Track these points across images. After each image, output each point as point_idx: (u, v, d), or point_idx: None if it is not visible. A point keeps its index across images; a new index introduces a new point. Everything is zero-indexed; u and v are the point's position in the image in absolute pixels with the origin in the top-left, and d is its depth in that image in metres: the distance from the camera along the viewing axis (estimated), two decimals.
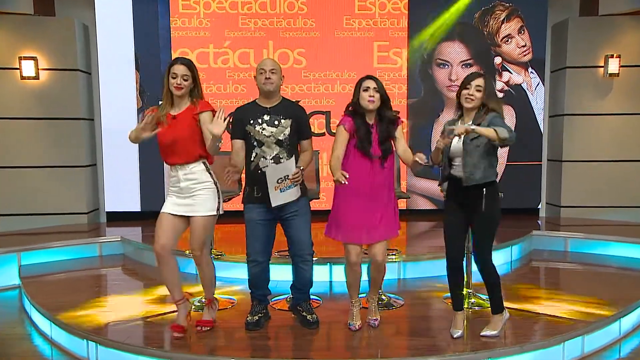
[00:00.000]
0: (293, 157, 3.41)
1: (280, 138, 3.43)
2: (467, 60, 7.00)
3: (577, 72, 6.84)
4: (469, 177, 3.20)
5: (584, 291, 4.37)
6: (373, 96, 3.33)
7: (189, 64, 3.30)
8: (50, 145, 6.58)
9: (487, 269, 3.31)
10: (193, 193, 3.33)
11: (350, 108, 3.45)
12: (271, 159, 3.40)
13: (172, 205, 3.36)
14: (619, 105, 6.87)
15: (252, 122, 3.45)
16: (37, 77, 6.39)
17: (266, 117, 3.45)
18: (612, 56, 6.68)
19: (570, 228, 6.22)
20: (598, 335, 3.63)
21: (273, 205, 3.36)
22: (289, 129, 3.45)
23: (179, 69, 3.27)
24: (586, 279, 4.88)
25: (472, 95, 3.22)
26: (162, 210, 3.38)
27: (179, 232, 3.41)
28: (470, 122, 3.22)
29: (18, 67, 6.36)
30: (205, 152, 3.35)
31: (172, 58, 3.44)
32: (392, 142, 3.43)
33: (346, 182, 3.14)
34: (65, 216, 6.67)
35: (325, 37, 6.88)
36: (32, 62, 6.33)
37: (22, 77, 6.37)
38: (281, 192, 3.35)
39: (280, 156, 3.42)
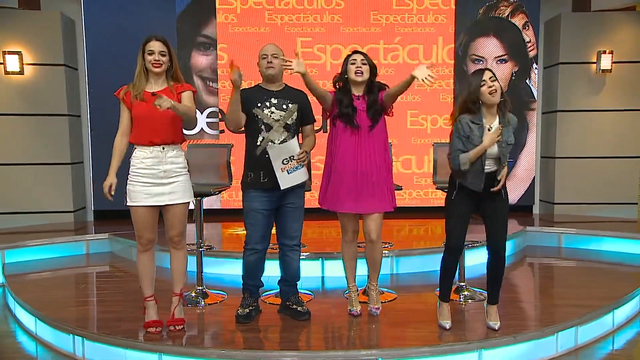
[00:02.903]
0: (295, 138, 3.40)
1: (289, 122, 3.41)
2: (502, 55, 6.96)
3: (570, 68, 6.82)
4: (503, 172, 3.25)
5: (578, 285, 4.37)
6: (360, 67, 3.41)
7: (164, 39, 3.20)
8: (36, 142, 6.47)
9: (503, 254, 3.32)
10: (175, 178, 3.23)
11: (337, 85, 3.51)
12: (279, 144, 3.36)
13: (144, 197, 3.17)
14: (611, 102, 6.85)
15: (259, 105, 3.39)
16: (21, 72, 6.28)
17: (274, 101, 3.41)
18: (604, 52, 6.66)
19: (564, 224, 6.19)
20: (591, 326, 3.61)
21: (282, 187, 3.34)
22: (296, 113, 3.44)
23: (155, 45, 3.16)
24: (580, 273, 4.87)
25: (492, 87, 3.10)
26: (133, 204, 3.19)
27: (156, 222, 3.31)
28: (497, 123, 3.17)
29: (2, 61, 6.25)
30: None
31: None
32: (384, 111, 3.48)
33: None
34: (51, 214, 6.55)
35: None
36: (16, 56, 6.21)
37: (7, 72, 6.25)
38: (288, 173, 3.33)
39: (288, 141, 3.38)
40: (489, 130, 3.15)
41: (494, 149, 3.16)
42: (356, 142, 3.40)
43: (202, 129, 6.83)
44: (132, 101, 3.16)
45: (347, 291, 3.76)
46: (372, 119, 3.41)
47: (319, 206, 3.59)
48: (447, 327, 3.37)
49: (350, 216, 3.53)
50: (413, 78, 3.16)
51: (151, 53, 3.15)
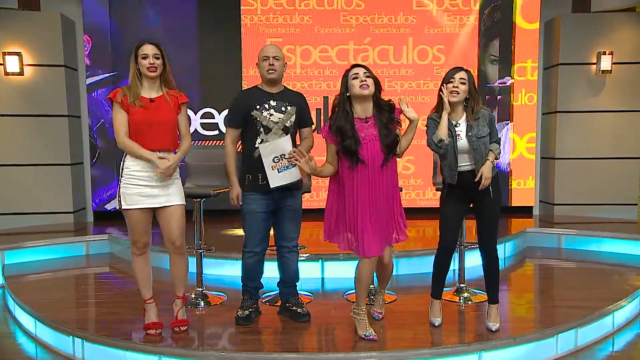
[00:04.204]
0: (288, 136, 3.35)
1: (287, 125, 3.40)
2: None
3: (570, 69, 6.81)
4: (483, 169, 3.22)
5: (578, 286, 4.36)
6: (365, 80, 3.05)
7: (157, 43, 3.20)
8: (36, 143, 6.46)
9: (494, 254, 3.35)
10: (169, 181, 3.23)
11: (336, 109, 3.16)
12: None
13: (141, 198, 3.16)
14: (611, 102, 6.85)
15: (258, 107, 3.38)
16: (21, 73, 6.27)
17: (273, 103, 3.40)
18: (604, 53, 6.66)
19: (564, 225, 6.19)
20: (591, 328, 3.60)
21: (272, 186, 3.30)
22: (294, 116, 3.43)
23: (148, 49, 3.15)
24: (580, 274, 4.86)
25: (456, 87, 3.20)
26: (130, 207, 3.15)
27: (151, 225, 3.30)
28: (464, 119, 3.25)
29: (2, 62, 6.24)
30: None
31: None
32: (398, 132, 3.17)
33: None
34: (50, 215, 6.54)
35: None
36: (16, 57, 6.20)
37: (6, 73, 6.25)
38: (279, 172, 3.30)
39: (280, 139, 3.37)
40: (456, 126, 3.26)
41: (464, 143, 3.22)
42: (370, 178, 3.07)
43: (195, 129, 6.84)
44: (130, 106, 3.13)
45: (355, 310, 3.30)
46: (389, 151, 3.08)
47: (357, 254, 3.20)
48: (437, 324, 3.42)
49: None
50: (412, 120, 3.15)
51: (145, 57, 3.13)
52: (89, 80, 6.68)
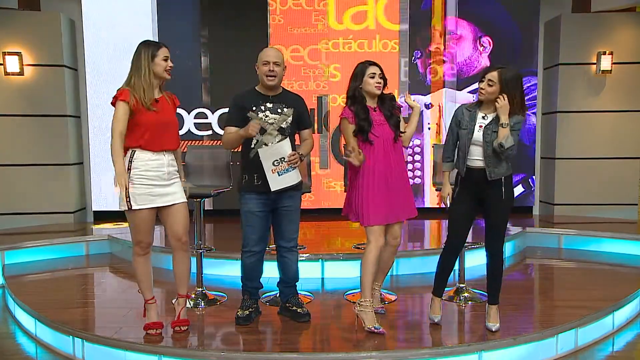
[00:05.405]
0: (287, 139, 3.35)
1: (283, 126, 3.40)
2: None
3: (570, 69, 6.83)
4: (493, 171, 3.21)
5: (578, 287, 4.37)
6: (380, 82, 3.39)
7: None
8: (36, 143, 6.47)
9: (500, 255, 3.36)
10: (174, 180, 3.25)
11: (353, 94, 3.41)
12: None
13: (152, 198, 3.15)
14: (611, 102, 6.86)
15: (254, 109, 3.38)
16: (21, 73, 6.29)
17: (269, 105, 3.40)
18: (604, 53, 6.66)
19: (564, 225, 6.19)
20: (591, 328, 3.60)
21: (272, 189, 3.31)
22: (291, 117, 3.43)
23: (167, 52, 3.18)
24: (580, 274, 4.86)
25: (482, 89, 3.22)
26: (140, 207, 3.14)
27: (154, 225, 3.31)
28: (494, 113, 3.25)
29: (2, 62, 6.26)
30: None
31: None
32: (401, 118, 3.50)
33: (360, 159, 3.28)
34: (51, 215, 6.56)
35: None
36: (16, 57, 6.22)
37: (7, 73, 6.26)
38: (279, 175, 3.30)
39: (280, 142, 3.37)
40: (482, 118, 3.26)
41: (478, 134, 3.23)
42: (384, 154, 3.35)
43: (189, 129, 6.87)
44: (143, 108, 3.09)
45: (360, 303, 3.35)
46: (396, 128, 3.41)
47: (364, 225, 3.36)
48: (436, 321, 3.43)
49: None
50: (415, 108, 3.48)
51: (167, 59, 3.16)
52: None
